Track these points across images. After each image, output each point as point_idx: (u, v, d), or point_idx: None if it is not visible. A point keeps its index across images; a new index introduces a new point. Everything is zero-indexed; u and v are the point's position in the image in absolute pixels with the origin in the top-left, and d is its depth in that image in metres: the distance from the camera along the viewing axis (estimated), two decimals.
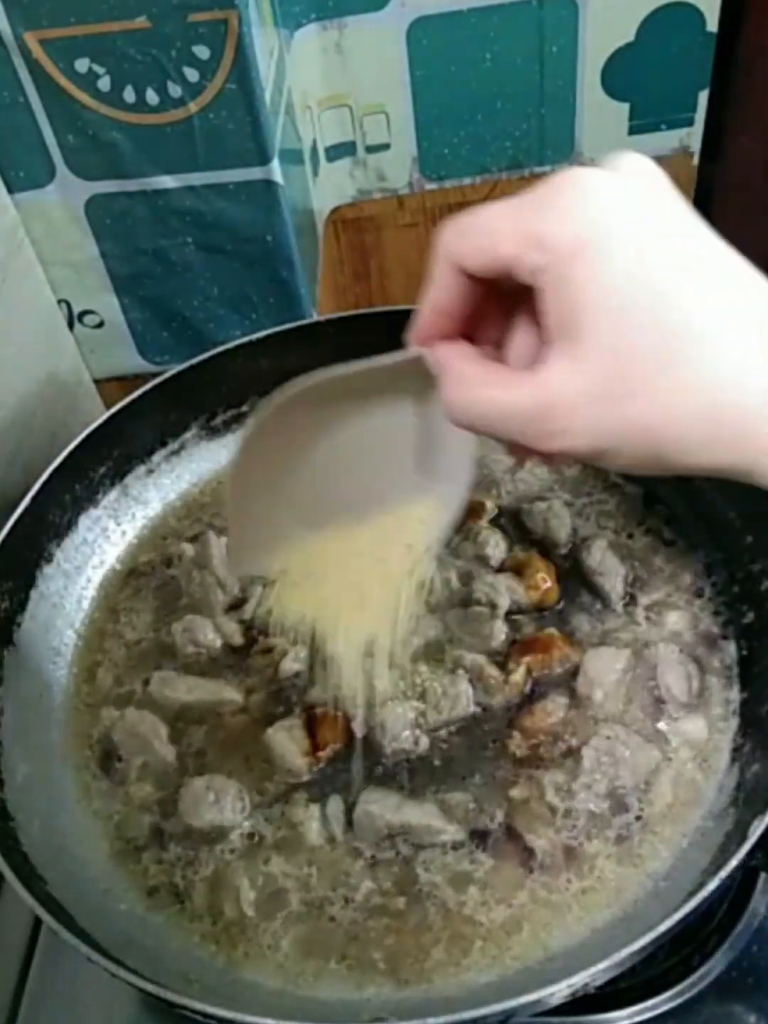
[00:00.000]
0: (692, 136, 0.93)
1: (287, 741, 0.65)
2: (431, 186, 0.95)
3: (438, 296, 0.44)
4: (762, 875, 0.65)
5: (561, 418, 0.39)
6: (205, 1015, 0.51)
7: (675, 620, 0.72)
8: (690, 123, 0.92)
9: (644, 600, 0.73)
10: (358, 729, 0.66)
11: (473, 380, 0.43)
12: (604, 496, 0.80)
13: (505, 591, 0.72)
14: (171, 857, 0.64)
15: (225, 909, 0.61)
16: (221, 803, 0.64)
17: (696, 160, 0.94)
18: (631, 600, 0.73)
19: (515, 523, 0.78)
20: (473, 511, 0.78)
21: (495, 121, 0.90)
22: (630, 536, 0.77)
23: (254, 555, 0.56)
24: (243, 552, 0.56)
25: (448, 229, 0.42)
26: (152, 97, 0.74)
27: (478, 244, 0.41)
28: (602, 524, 0.78)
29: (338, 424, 0.50)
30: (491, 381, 0.42)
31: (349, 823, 0.63)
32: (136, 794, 0.67)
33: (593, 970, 0.51)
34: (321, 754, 0.65)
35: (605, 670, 0.68)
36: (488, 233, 0.40)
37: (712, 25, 0.85)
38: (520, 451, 0.43)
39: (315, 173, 0.91)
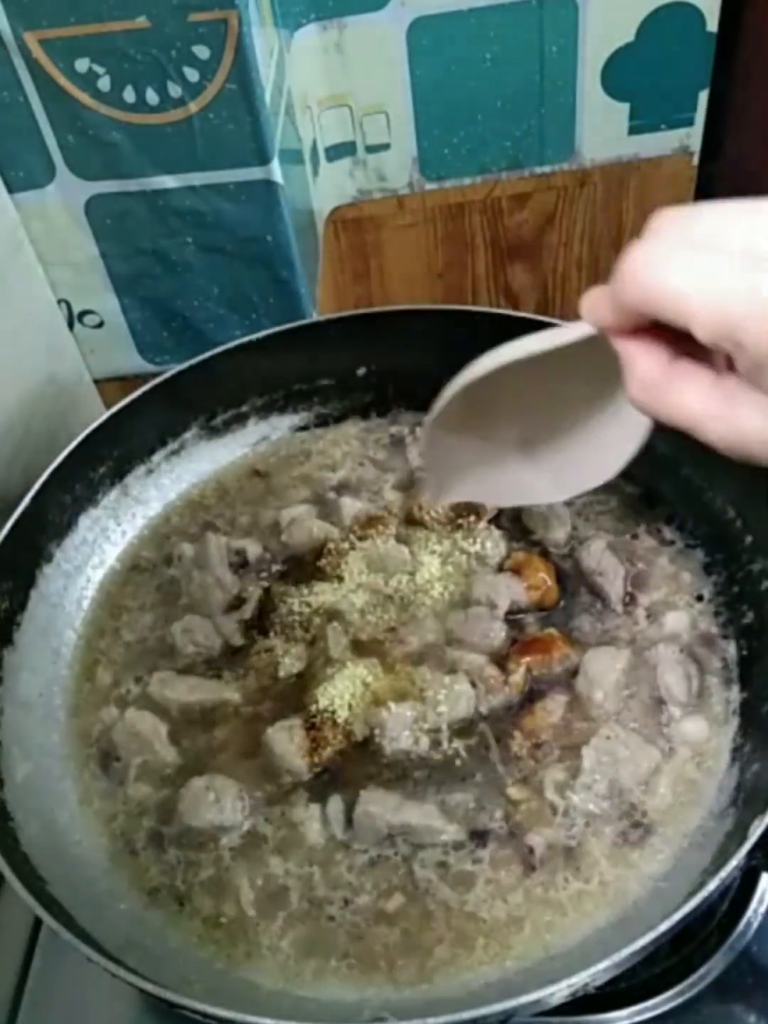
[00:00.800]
0: (692, 136, 0.93)
1: (287, 741, 0.65)
2: (431, 186, 0.95)
3: (617, 319, 0.42)
4: (762, 875, 0.65)
5: (748, 447, 0.39)
6: (205, 1015, 0.51)
7: (675, 620, 0.72)
8: (690, 123, 0.92)
9: (644, 600, 0.73)
10: (358, 730, 0.66)
11: (661, 384, 0.41)
12: (604, 496, 0.80)
13: (505, 591, 0.72)
14: (171, 858, 0.64)
15: (225, 909, 0.61)
16: (221, 803, 0.64)
17: (696, 160, 0.94)
18: (631, 600, 0.73)
19: (515, 523, 0.78)
20: (473, 510, 0.78)
21: (495, 121, 0.90)
22: (631, 536, 0.77)
23: (445, 486, 0.63)
24: (438, 485, 0.64)
25: (634, 274, 0.40)
26: (152, 97, 0.74)
27: (667, 310, 0.38)
28: (602, 524, 0.78)
29: (519, 383, 0.52)
30: (680, 389, 0.41)
31: (349, 823, 0.63)
32: (136, 794, 0.67)
33: (593, 970, 0.51)
34: (321, 754, 0.65)
35: (605, 670, 0.68)
36: (679, 304, 0.38)
37: (712, 25, 0.85)
38: None
39: (315, 173, 0.91)
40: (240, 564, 0.77)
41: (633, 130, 0.92)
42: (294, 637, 0.72)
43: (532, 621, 0.72)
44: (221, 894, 0.62)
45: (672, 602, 0.73)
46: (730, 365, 0.40)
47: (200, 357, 0.80)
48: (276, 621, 0.73)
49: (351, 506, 0.80)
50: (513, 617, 0.72)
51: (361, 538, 0.76)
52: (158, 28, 0.70)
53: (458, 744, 0.66)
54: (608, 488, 0.80)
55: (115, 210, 0.82)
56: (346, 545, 0.76)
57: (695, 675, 0.69)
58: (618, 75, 0.88)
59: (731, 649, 0.70)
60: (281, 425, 0.88)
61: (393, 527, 0.78)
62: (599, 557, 0.74)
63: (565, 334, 0.46)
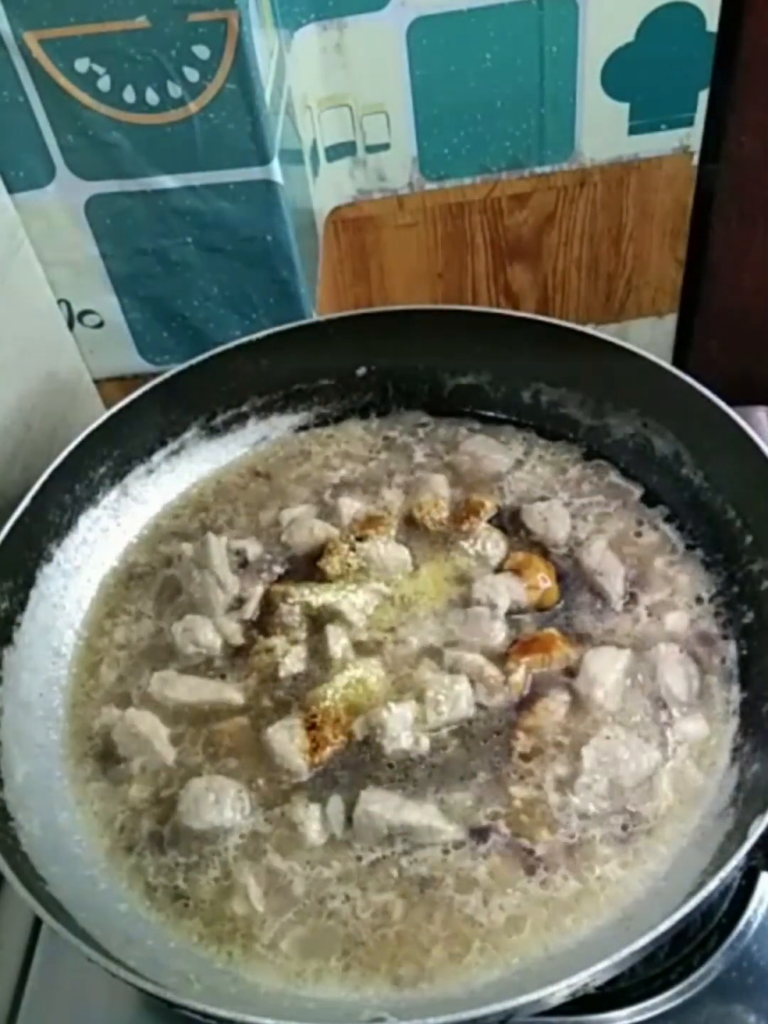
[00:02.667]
0: (692, 136, 0.93)
1: (287, 741, 0.65)
2: (431, 186, 0.95)
3: None
4: (762, 875, 0.65)
5: None
6: (205, 1015, 0.51)
7: (675, 620, 0.72)
8: (690, 123, 0.92)
9: (644, 600, 0.73)
10: (358, 730, 0.66)
11: None
12: (604, 497, 0.80)
13: (505, 591, 0.72)
14: (171, 858, 0.64)
15: (225, 909, 0.61)
16: (221, 804, 0.64)
17: (696, 160, 0.94)
18: (631, 600, 0.73)
19: (515, 523, 0.78)
20: (473, 511, 0.78)
21: (495, 121, 0.90)
22: (631, 536, 0.77)
23: None
24: None
25: None
26: (152, 97, 0.74)
27: None
28: (602, 524, 0.78)
29: None
30: None
31: (349, 823, 0.63)
32: (136, 794, 0.67)
33: (593, 970, 0.51)
34: (321, 754, 0.65)
35: (605, 669, 0.68)
36: None
37: (712, 25, 0.84)
38: None
39: (315, 173, 0.91)
40: (240, 564, 0.77)
41: (633, 130, 0.92)
42: (295, 637, 0.72)
43: (532, 621, 0.72)
44: (221, 894, 0.62)
45: (672, 602, 0.73)
46: None
47: (200, 357, 0.80)
48: (277, 621, 0.73)
49: (350, 506, 0.80)
50: (513, 617, 0.72)
51: (361, 538, 0.76)
52: (158, 28, 0.70)
53: (458, 744, 0.66)
54: (608, 489, 0.81)
55: (115, 210, 0.82)
56: (346, 546, 0.76)
57: (695, 675, 0.69)
58: (618, 75, 0.87)
59: (731, 649, 0.70)
60: (281, 425, 0.88)
61: (393, 527, 0.78)
62: (599, 557, 0.74)
63: None
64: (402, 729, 0.65)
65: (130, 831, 0.65)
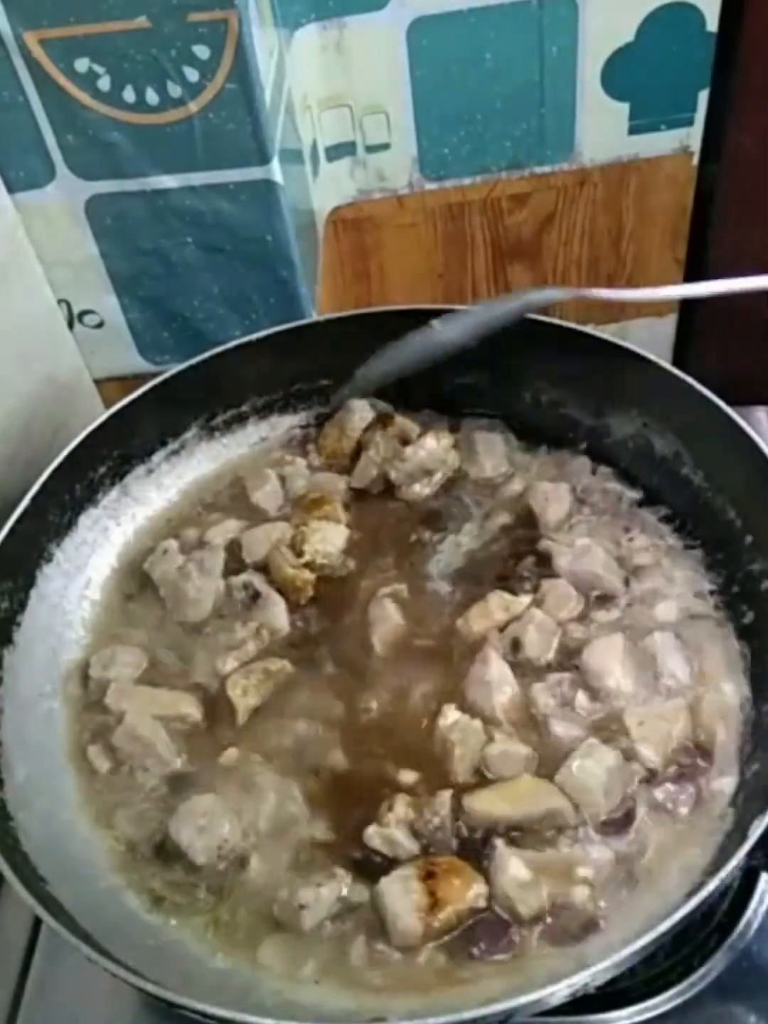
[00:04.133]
0: (692, 136, 0.93)
1: (401, 895, 0.57)
2: (431, 186, 0.94)
3: None
4: (762, 875, 0.65)
5: None
6: (205, 1015, 0.51)
7: (674, 621, 0.71)
8: (690, 123, 0.91)
9: (643, 601, 0.73)
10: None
11: None
12: (602, 497, 0.80)
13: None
14: (170, 859, 0.64)
15: (225, 909, 0.61)
16: (214, 828, 0.63)
17: (696, 160, 0.94)
18: (630, 600, 0.73)
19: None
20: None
21: (495, 121, 0.90)
22: (630, 537, 0.77)
23: None
24: None
25: None
26: (152, 97, 0.74)
27: None
28: (601, 524, 0.78)
29: None
30: None
31: None
32: (136, 795, 0.67)
33: (593, 970, 0.51)
34: (441, 915, 0.56)
35: (604, 655, 0.68)
36: None
37: (712, 25, 0.84)
38: None
39: (315, 173, 0.91)
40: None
41: (633, 130, 0.92)
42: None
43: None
44: (221, 895, 0.62)
45: (671, 603, 0.73)
46: None
47: (200, 357, 0.80)
48: None
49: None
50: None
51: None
52: (158, 28, 0.70)
53: None
54: (608, 489, 0.80)
55: (115, 210, 0.82)
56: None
57: (693, 658, 0.69)
58: (618, 75, 0.87)
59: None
60: (281, 425, 0.88)
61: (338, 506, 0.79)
62: (598, 558, 0.74)
63: None
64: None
65: (130, 831, 0.65)
